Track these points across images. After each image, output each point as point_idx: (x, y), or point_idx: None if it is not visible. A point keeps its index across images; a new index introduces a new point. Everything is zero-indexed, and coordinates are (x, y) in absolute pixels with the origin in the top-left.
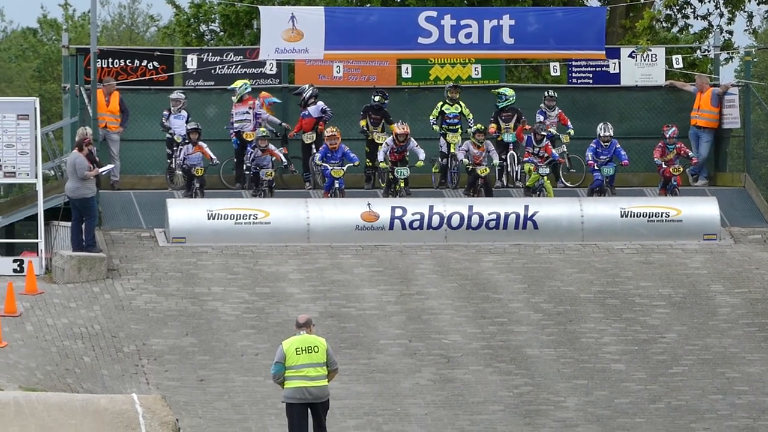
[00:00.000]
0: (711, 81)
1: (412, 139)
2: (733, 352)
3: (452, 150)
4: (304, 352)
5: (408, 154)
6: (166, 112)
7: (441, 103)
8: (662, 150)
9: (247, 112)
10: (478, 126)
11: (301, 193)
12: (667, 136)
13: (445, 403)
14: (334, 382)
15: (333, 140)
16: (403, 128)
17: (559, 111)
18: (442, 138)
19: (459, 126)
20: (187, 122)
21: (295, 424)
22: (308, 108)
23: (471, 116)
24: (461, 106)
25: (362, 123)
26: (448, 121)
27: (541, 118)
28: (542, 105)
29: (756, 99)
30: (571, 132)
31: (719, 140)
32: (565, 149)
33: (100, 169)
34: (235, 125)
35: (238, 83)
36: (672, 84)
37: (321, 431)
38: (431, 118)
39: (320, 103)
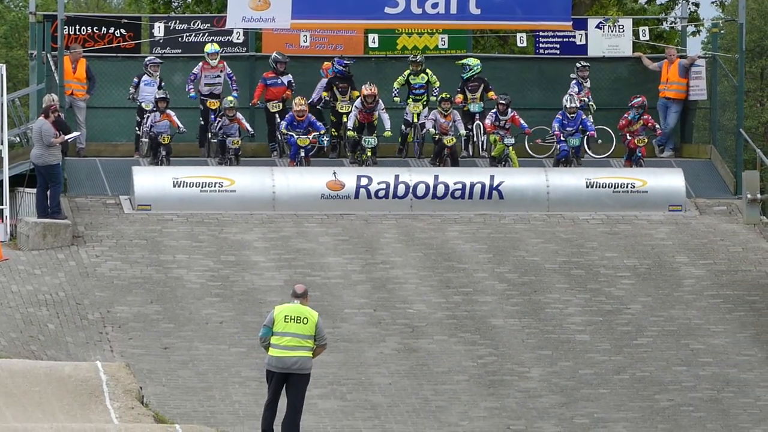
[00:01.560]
0: (678, 53)
1: (381, 101)
2: (697, 323)
3: (415, 120)
4: (292, 321)
5: (375, 120)
6: (136, 80)
7: (407, 72)
8: (628, 120)
9: (218, 76)
10: (444, 95)
11: (267, 161)
12: (631, 104)
13: (410, 372)
14: None
15: (301, 112)
16: (371, 89)
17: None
18: (407, 107)
19: (423, 95)
20: (159, 88)
21: (270, 391)
22: (281, 77)
23: (437, 84)
24: (427, 75)
25: (325, 94)
26: (414, 91)
27: (576, 89)
28: (575, 75)
29: (722, 71)
30: (593, 106)
31: (685, 112)
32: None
33: (66, 136)
34: (204, 89)
35: (215, 46)
36: (639, 56)
37: (293, 409)
38: (395, 86)
39: (289, 75)
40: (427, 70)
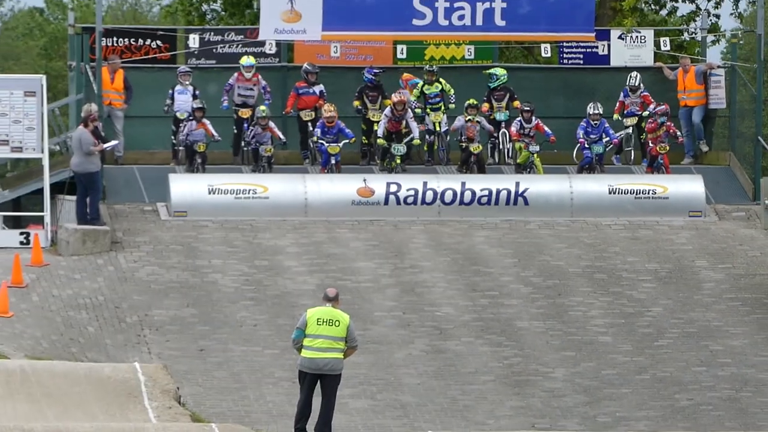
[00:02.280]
0: (692, 62)
1: (410, 110)
2: (716, 325)
3: (437, 128)
4: (324, 324)
5: (404, 128)
6: (170, 91)
7: (421, 83)
8: (657, 124)
9: (251, 89)
10: (470, 101)
11: (299, 168)
12: (656, 111)
13: (437, 373)
14: None
15: (331, 119)
16: (400, 96)
17: (645, 93)
18: (426, 117)
19: (441, 103)
20: (194, 98)
21: (303, 392)
22: (312, 87)
23: (452, 91)
24: (441, 83)
25: (357, 103)
26: (429, 101)
27: (622, 97)
28: (627, 87)
29: (741, 80)
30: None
31: (705, 120)
32: (630, 131)
33: (105, 145)
34: (237, 99)
35: (251, 59)
36: (660, 66)
37: (325, 408)
38: (413, 99)
39: (321, 85)
40: (441, 79)
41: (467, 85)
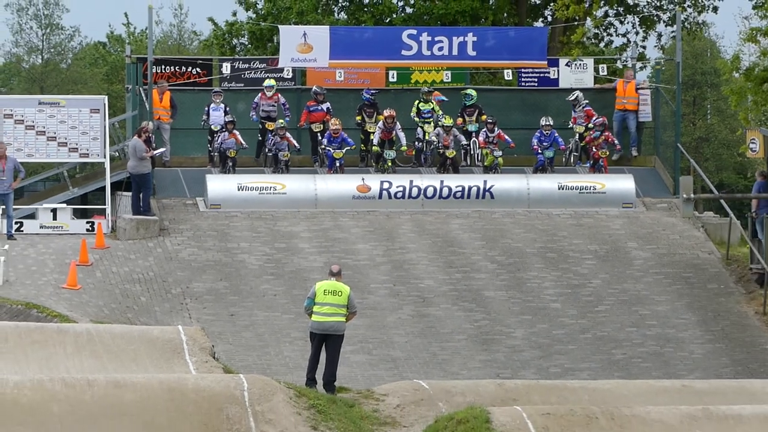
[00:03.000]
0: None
1: (398, 122)
2: (644, 294)
3: (426, 137)
4: (330, 294)
5: (394, 137)
6: (206, 108)
7: (417, 101)
8: (592, 138)
9: (273, 105)
10: (448, 122)
11: (311, 170)
12: (593, 123)
13: (421, 333)
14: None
15: (336, 131)
16: (390, 112)
17: (588, 108)
18: (419, 128)
19: (431, 119)
20: (225, 113)
21: (313, 348)
22: (321, 105)
23: (440, 112)
24: (433, 104)
25: (357, 118)
26: (423, 115)
27: (573, 114)
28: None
29: (664, 99)
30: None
31: (637, 129)
32: (576, 139)
33: (155, 152)
34: (262, 113)
35: (272, 81)
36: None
37: (330, 361)
38: (412, 114)
39: (327, 103)
40: (432, 100)
41: (445, 103)
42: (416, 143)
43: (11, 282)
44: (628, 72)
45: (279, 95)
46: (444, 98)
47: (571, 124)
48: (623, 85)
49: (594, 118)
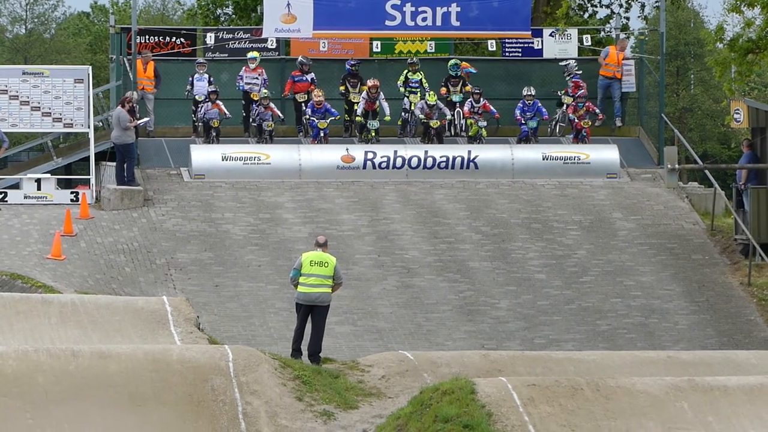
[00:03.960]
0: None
1: (381, 92)
2: (629, 265)
3: (412, 108)
4: (316, 265)
5: (377, 107)
6: (190, 78)
7: (406, 71)
8: (574, 107)
9: (256, 78)
10: (432, 99)
11: (295, 140)
12: (577, 94)
13: (406, 304)
14: None
15: (319, 101)
16: (374, 82)
17: (576, 79)
18: (405, 98)
19: (419, 90)
20: (209, 84)
21: (299, 319)
22: (306, 75)
23: (427, 84)
24: (421, 75)
25: (341, 88)
26: (410, 85)
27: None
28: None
29: (647, 69)
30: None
31: (621, 99)
32: (564, 110)
33: (138, 122)
34: (246, 86)
35: (255, 54)
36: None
37: (316, 333)
38: (398, 82)
39: (312, 73)
40: (421, 71)
41: (428, 73)
42: (402, 113)
43: None
44: (623, 41)
45: (262, 70)
46: (473, 70)
47: (560, 94)
48: (615, 51)
49: (580, 90)
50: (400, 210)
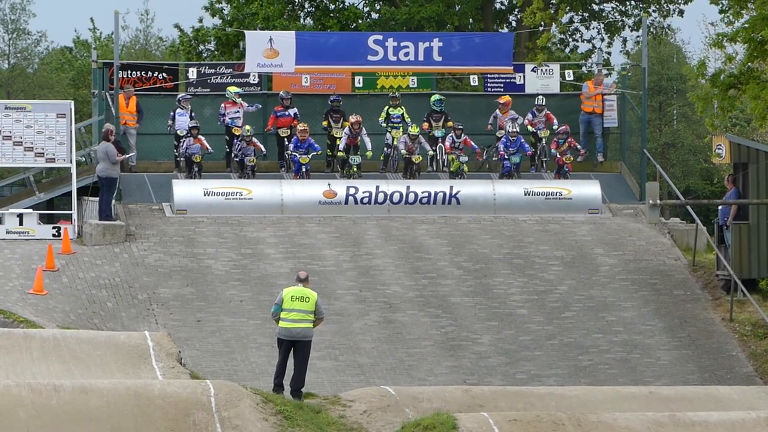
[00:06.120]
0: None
1: (363, 128)
2: (611, 300)
3: (395, 143)
4: (297, 300)
5: (359, 142)
6: (172, 113)
7: (387, 107)
8: (556, 143)
9: (237, 112)
10: (415, 130)
11: (277, 175)
12: (559, 132)
13: (388, 339)
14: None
15: (303, 134)
16: (356, 118)
17: (547, 112)
18: (388, 134)
19: (401, 125)
20: (191, 119)
21: (280, 355)
22: (288, 110)
23: (409, 119)
24: (402, 110)
25: (324, 123)
26: (392, 120)
27: (530, 117)
28: (535, 108)
29: (630, 104)
30: (553, 128)
31: (603, 135)
32: (544, 144)
33: (126, 155)
34: (228, 121)
35: (234, 89)
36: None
37: (299, 368)
38: (380, 118)
39: (294, 108)
40: (402, 107)
41: (411, 108)
42: (385, 149)
43: None
44: (599, 75)
45: (245, 105)
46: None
47: (530, 128)
48: (593, 86)
49: (556, 125)
50: (382, 245)
